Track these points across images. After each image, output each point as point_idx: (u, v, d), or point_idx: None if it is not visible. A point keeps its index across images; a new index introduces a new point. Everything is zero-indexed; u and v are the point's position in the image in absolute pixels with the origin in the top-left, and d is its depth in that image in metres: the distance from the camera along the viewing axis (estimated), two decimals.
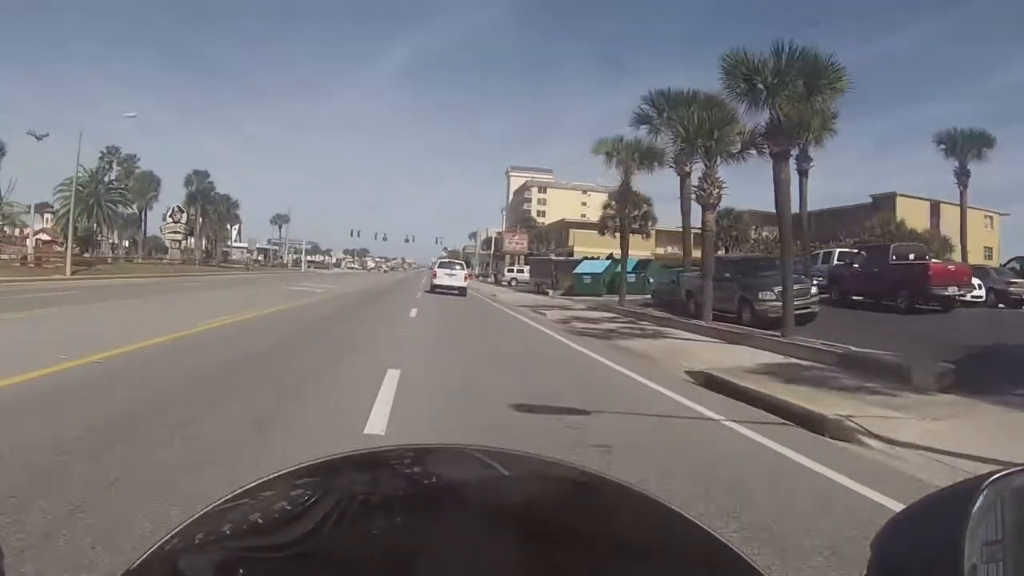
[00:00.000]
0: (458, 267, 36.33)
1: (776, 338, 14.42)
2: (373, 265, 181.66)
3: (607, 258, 44.49)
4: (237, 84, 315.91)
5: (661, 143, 22.11)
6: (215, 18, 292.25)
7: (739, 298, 17.94)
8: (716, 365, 11.18)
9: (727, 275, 18.57)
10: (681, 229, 25.30)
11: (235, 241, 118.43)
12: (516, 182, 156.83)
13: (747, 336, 15.27)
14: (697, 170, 20.69)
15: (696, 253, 23.00)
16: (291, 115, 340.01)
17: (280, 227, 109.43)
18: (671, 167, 22.96)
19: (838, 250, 29.43)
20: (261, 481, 0.91)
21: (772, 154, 15.19)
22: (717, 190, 18.25)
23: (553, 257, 51.81)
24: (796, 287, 17.78)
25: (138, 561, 0.74)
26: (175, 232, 58.89)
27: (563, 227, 64.50)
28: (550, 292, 40.81)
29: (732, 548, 0.84)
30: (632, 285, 35.58)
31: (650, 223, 42.63)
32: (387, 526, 0.83)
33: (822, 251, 30.93)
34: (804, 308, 17.17)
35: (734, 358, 12.67)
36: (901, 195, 53.56)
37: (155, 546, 0.76)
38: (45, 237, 56.18)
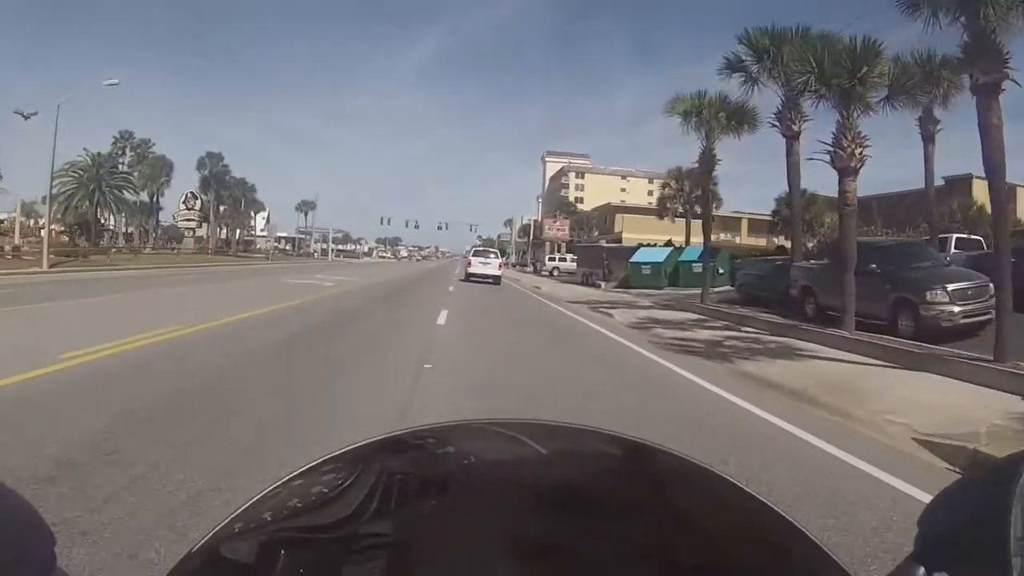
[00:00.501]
0: (492, 256, 35.94)
1: (987, 364, 9.46)
2: (406, 254, 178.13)
3: (666, 245, 39.41)
4: (270, 78, 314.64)
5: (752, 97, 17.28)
6: (247, 16, 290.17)
7: (894, 299, 12.91)
8: (946, 421, 6.62)
9: (872, 266, 13.52)
10: (734, 214, 20.33)
11: (262, 229, 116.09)
12: (552, 168, 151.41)
13: (933, 358, 10.30)
14: (809, 129, 16.59)
15: (698, 238, 17.77)
16: (323, 108, 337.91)
17: (306, 215, 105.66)
18: (773, 126, 17.92)
19: (955, 236, 24.02)
20: (296, 472, 0.88)
21: (977, 87, 10.13)
22: (860, 149, 13.20)
23: (604, 244, 46.64)
24: (968, 285, 12.88)
25: (189, 552, 0.76)
26: (189, 220, 55.42)
27: (608, 212, 59.38)
28: (601, 284, 35.80)
29: (793, 523, 0.80)
30: (698, 277, 30.84)
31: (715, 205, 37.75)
32: (428, 506, 0.81)
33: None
34: (981, 314, 12.25)
35: (957, 401, 7.86)
36: (978, 177, 47.42)
37: (197, 545, 0.77)
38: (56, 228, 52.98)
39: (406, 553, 0.73)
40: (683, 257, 33.84)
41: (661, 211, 43.64)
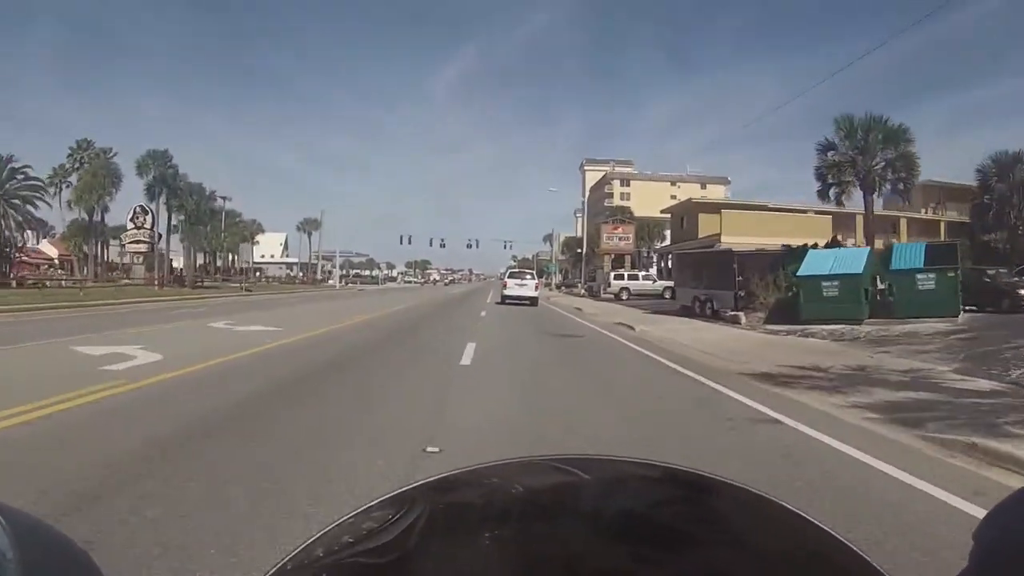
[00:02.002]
0: (528, 276, 33.35)
1: None
2: (437, 277, 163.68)
3: (828, 246, 24.49)
4: (298, 98, 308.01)
5: None
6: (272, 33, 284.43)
7: None
8: None
9: None
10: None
11: (266, 255, 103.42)
12: (593, 177, 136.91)
13: None
14: None
15: None
16: (350, 129, 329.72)
17: (309, 235, 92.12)
18: None
19: None
20: (347, 515, 0.87)
21: None
22: None
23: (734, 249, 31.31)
24: None
25: None
26: (138, 242, 41.91)
27: (688, 211, 44.16)
28: (740, 318, 20.88)
29: (858, 552, 0.77)
30: (924, 297, 15.67)
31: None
32: (483, 539, 0.79)
33: None
34: None
35: None
36: None
37: None
38: None
39: None
40: (897, 263, 18.78)
41: (825, 188, 28.45)
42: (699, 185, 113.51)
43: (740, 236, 35.93)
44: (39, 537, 0.62)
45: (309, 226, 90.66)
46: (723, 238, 36.03)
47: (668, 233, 74.02)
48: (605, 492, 0.95)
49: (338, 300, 36.26)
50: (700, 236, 41.54)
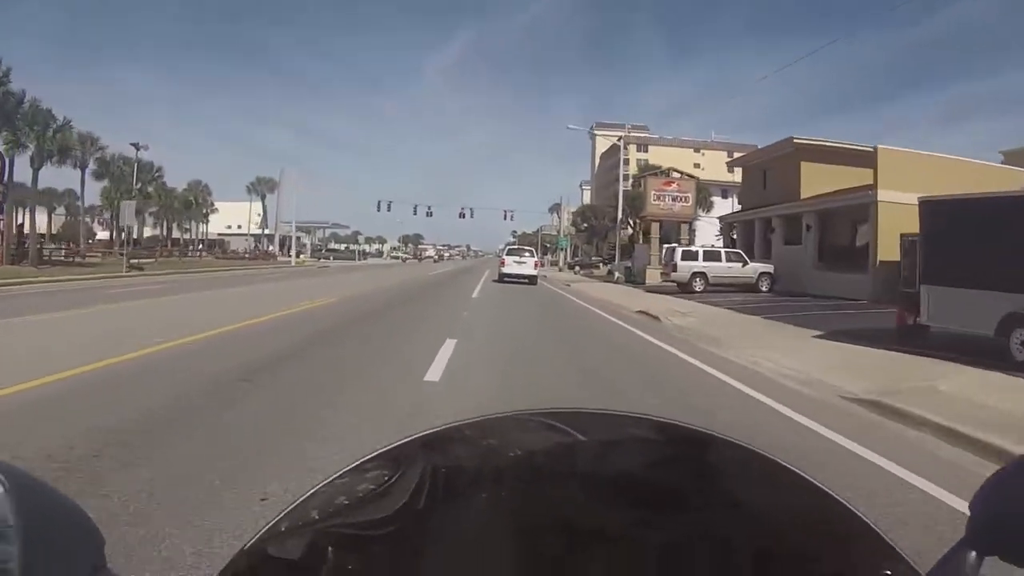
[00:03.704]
0: (527, 254, 30.87)
1: None
2: (433, 253, 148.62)
3: None
4: (299, 80, 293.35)
5: None
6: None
7: None
8: None
9: None
10: None
11: (231, 225, 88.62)
12: (604, 144, 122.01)
13: None
14: None
15: None
16: (349, 109, 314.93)
17: (263, 198, 76.82)
18: None
19: None
20: (341, 471, 0.87)
21: None
22: None
23: None
24: None
25: (230, 562, 0.75)
26: None
27: (783, 158, 29.36)
28: None
29: (854, 510, 0.78)
30: None
31: None
32: (479, 500, 0.80)
33: None
34: None
35: None
36: None
37: (247, 545, 0.76)
38: None
39: (459, 547, 0.73)
40: None
41: None
42: (726, 153, 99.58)
43: (903, 191, 21.73)
44: (38, 499, 0.60)
45: (263, 187, 75.24)
46: (880, 192, 21.65)
47: (714, 201, 59.64)
48: (601, 452, 0.93)
49: (261, 284, 22.41)
50: (806, 195, 27.20)
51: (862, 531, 0.76)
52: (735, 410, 6.21)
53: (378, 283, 25.79)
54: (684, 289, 23.81)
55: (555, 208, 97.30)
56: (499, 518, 0.76)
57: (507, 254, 31.34)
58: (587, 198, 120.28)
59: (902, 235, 21.41)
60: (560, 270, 58.35)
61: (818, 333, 12.53)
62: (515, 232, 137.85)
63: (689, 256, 24.61)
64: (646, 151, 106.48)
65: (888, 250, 21.63)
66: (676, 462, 0.92)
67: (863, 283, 22.10)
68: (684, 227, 32.17)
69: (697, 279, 24.06)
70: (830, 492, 0.80)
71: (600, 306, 18.14)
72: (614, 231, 71.79)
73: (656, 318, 14.98)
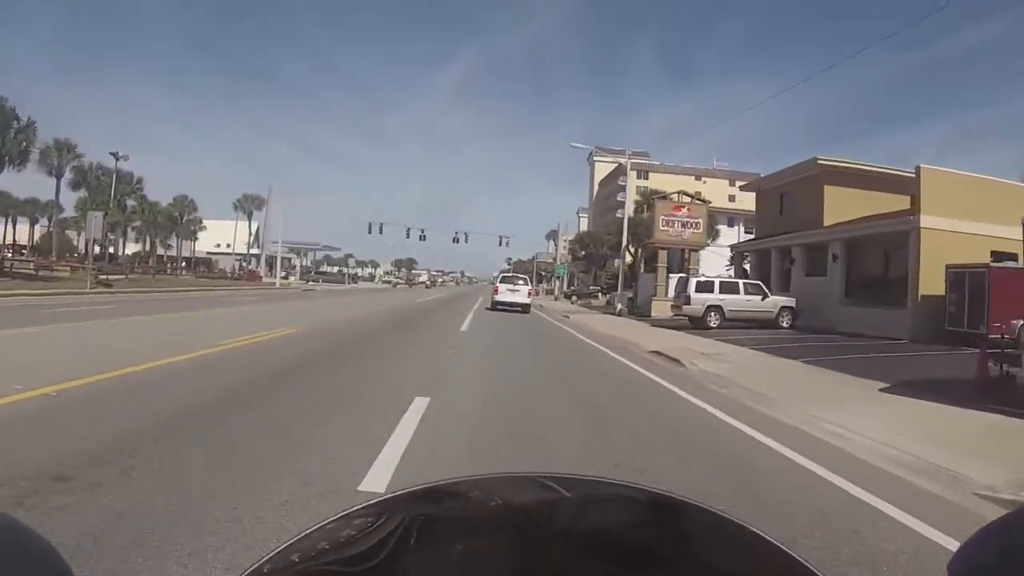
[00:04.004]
0: (520, 282, 29.90)
1: None
2: (426, 279, 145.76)
3: None
4: (295, 97, 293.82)
5: None
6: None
7: None
8: None
9: None
10: None
11: (220, 244, 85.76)
12: (603, 169, 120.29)
13: None
14: None
15: None
16: (350, 128, 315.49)
17: (249, 216, 73.99)
18: None
19: None
20: (327, 520, 0.87)
21: None
22: None
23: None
24: None
25: None
26: None
27: (803, 181, 26.81)
28: None
29: (818, 574, 0.79)
30: None
31: None
32: (456, 551, 0.80)
33: None
34: None
35: None
36: None
37: None
38: None
39: None
40: None
41: None
42: (727, 181, 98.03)
43: (948, 217, 19.22)
44: (5, 533, 0.61)
45: (249, 204, 72.40)
46: (923, 218, 19.14)
47: (719, 229, 57.21)
48: (579, 510, 0.95)
49: (222, 308, 19.61)
50: (829, 222, 24.72)
51: None
52: (864, 536, 3.55)
53: (356, 310, 23.08)
54: (697, 325, 21.14)
55: (552, 235, 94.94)
56: (474, 568, 0.75)
57: (501, 281, 30.59)
58: (584, 225, 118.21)
59: (948, 267, 19.03)
60: (556, 299, 55.71)
61: (883, 385, 9.87)
62: (510, 259, 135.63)
63: (704, 287, 21.93)
64: (646, 178, 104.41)
65: (931, 283, 19.09)
66: (654, 526, 0.93)
67: (901, 320, 19.51)
68: (693, 255, 29.59)
69: (712, 313, 21.39)
70: (802, 560, 0.80)
71: (607, 344, 15.45)
72: (613, 259, 69.43)
73: (677, 361, 12.31)
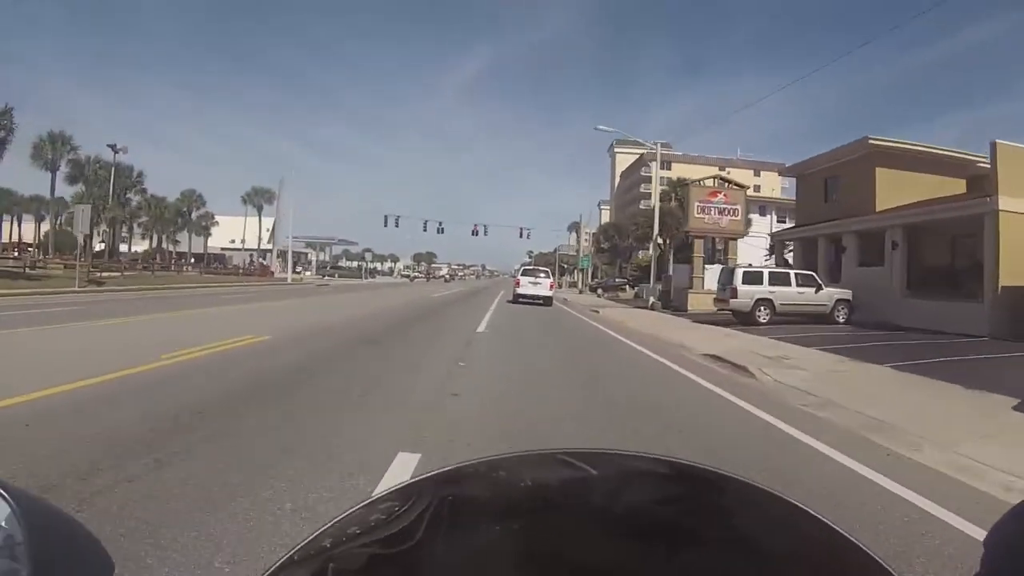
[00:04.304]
0: (542, 275, 29.92)
1: None
2: (446, 272, 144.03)
3: None
4: (309, 90, 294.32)
5: None
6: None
7: None
8: None
9: None
10: None
11: (234, 240, 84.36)
12: (624, 160, 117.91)
13: None
14: None
15: None
16: (364, 123, 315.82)
17: (259, 210, 72.28)
18: None
19: None
20: (358, 505, 0.87)
21: None
22: None
23: None
24: None
25: None
26: None
27: (852, 164, 24.56)
28: None
29: (864, 548, 0.77)
30: None
31: None
32: (490, 531, 0.80)
33: None
34: None
35: None
36: None
37: None
38: None
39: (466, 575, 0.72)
40: None
41: None
42: (751, 171, 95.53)
43: None
44: (48, 520, 0.62)
45: (259, 198, 70.80)
46: (1001, 200, 16.92)
47: (751, 218, 54.81)
48: (612, 488, 0.93)
49: (213, 308, 17.78)
50: (882, 207, 22.51)
51: (871, 568, 0.74)
52: None
53: (362, 308, 21.30)
54: (744, 320, 19.08)
55: (574, 226, 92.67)
56: (508, 548, 0.74)
57: (522, 274, 30.44)
58: (606, 218, 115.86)
59: None
60: (581, 292, 53.71)
61: (1015, 402, 7.86)
62: (531, 252, 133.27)
63: (752, 279, 19.82)
64: (669, 168, 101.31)
65: (1013, 272, 16.89)
66: (688, 500, 0.91)
67: (976, 314, 17.34)
68: (731, 245, 27.39)
69: (761, 308, 19.31)
70: (840, 530, 0.79)
71: (651, 346, 13.54)
72: (638, 251, 67.15)
73: (742, 369, 10.35)
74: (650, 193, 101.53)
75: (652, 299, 27.69)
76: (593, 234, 70.40)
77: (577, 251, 72.07)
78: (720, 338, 15.29)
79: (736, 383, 9.22)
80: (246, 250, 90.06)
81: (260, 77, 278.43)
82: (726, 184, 28.04)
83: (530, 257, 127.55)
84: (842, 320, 20.01)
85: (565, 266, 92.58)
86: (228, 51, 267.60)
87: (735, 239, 27.30)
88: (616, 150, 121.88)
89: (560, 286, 70.80)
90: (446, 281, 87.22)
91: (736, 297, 19.32)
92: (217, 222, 73.24)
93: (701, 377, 9.59)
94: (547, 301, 27.87)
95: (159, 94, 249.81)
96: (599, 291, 50.81)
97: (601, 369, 10.20)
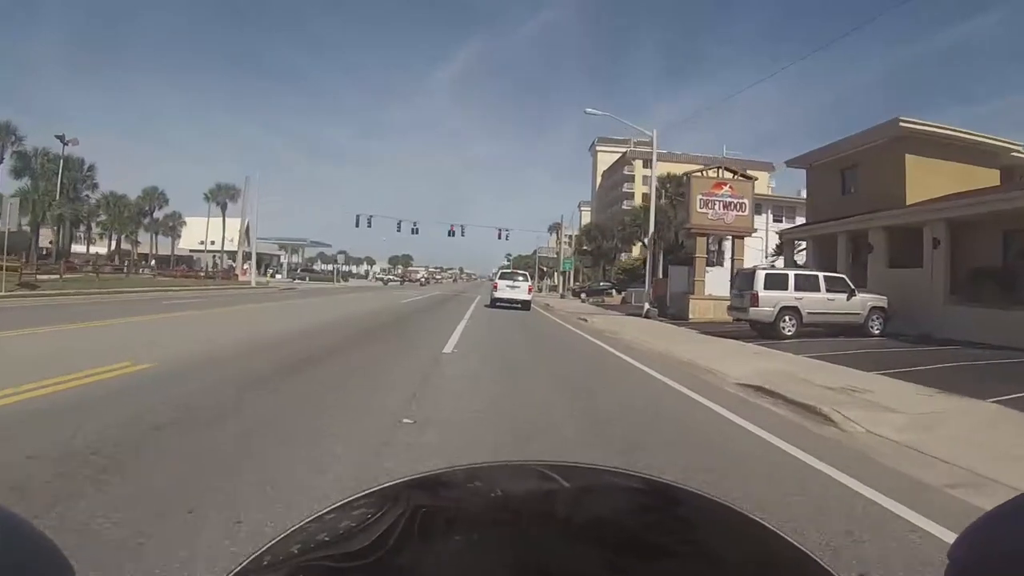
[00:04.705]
0: (520, 278, 29.63)
1: None
2: (424, 275, 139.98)
3: None
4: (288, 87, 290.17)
5: None
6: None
7: None
8: None
9: None
10: None
11: (204, 241, 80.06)
12: (606, 159, 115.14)
13: None
14: None
15: None
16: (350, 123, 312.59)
17: (223, 208, 68.10)
18: None
19: None
20: (328, 507, 0.88)
21: None
22: None
23: None
24: None
25: None
26: None
27: (879, 149, 21.74)
28: None
29: (822, 564, 0.77)
30: None
31: None
32: (456, 541, 0.80)
33: None
34: None
35: None
36: None
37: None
38: None
39: None
40: None
41: None
42: (744, 176, 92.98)
43: None
44: (6, 528, 0.61)
45: (223, 195, 66.61)
46: None
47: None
48: (580, 499, 0.94)
49: (121, 319, 14.10)
50: (912, 201, 19.66)
51: None
52: None
53: (318, 317, 18.01)
54: (765, 333, 15.96)
55: (554, 227, 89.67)
56: (476, 559, 0.74)
57: (500, 278, 29.95)
58: (586, 219, 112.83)
59: None
60: (563, 297, 50.35)
61: None
62: (509, 255, 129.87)
63: (775, 283, 16.63)
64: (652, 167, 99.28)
65: None
66: (654, 514, 0.92)
67: None
68: (740, 244, 24.30)
69: (786, 317, 16.21)
70: (801, 547, 0.80)
71: (665, 369, 10.41)
72: (622, 253, 64.19)
73: (811, 409, 7.25)
74: (633, 193, 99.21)
75: (647, 305, 24.50)
76: (576, 236, 67.33)
77: (558, 253, 68.77)
78: (748, 357, 12.20)
79: (814, 437, 6.13)
80: (217, 252, 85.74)
81: (231, 69, 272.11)
82: (732, 175, 24.91)
83: (508, 260, 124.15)
84: (876, 331, 17.00)
85: (544, 269, 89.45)
86: (221, 50, 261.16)
87: (742, 237, 24.23)
88: (598, 148, 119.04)
89: (540, 290, 67.56)
90: (421, 285, 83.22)
91: (757, 305, 16.15)
92: (185, 222, 69.07)
93: (758, 425, 6.46)
94: (525, 305, 27.58)
95: (133, 86, 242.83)
96: (582, 296, 47.65)
97: (612, 413, 7.00)
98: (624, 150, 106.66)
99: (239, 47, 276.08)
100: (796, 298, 16.37)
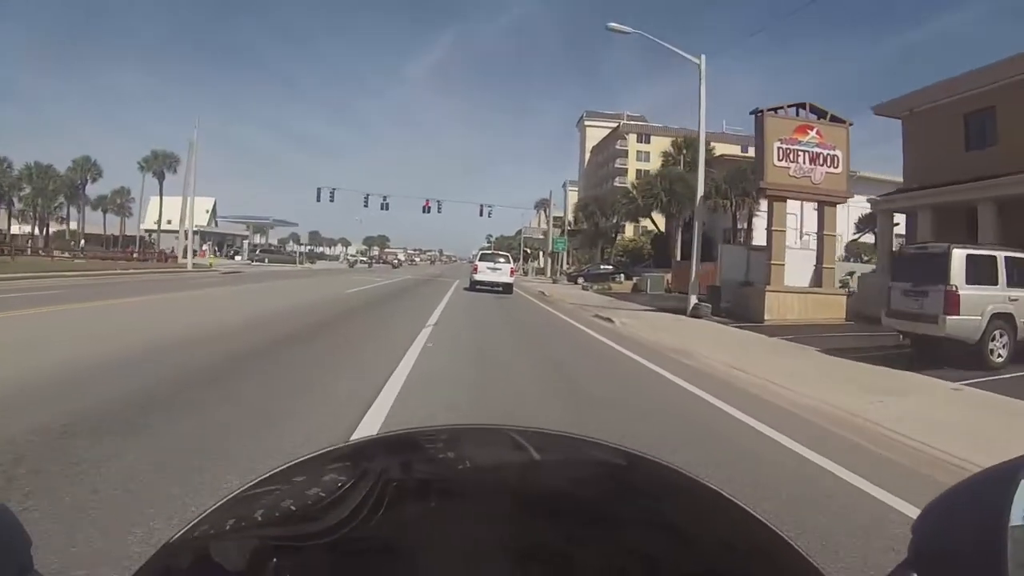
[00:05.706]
0: (502, 260, 28.56)
1: None
2: (403, 257, 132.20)
3: None
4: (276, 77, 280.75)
5: None
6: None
7: None
8: None
9: None
10: None
11: (171, 220, 71.78)
12: (596, 134, 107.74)
13: None
14: None
15: None
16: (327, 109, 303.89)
17: (160, 179, 59.12)
18: None
19: None
20: (292, 464, 0.88)
21: None
22: None
23: None
24: None
25: (168, 542, 0.73)
26: None
27: (1005, 90, 14.94)
28: None
29: (783, 536, 0.78)
30: None
31: None
32: (422, 512, 0.81)
33: None
34: None
35: None
36: None
37: (183, 530, 0.74)
38: None
39: (397, 556, 0.73)
40: None
41: None
42: (739, 147, 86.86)
43: None
44: None
45: (159, 162, 57.91)
46: None
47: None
48: (545, 469, 0.95)
49: None
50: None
51: (793, 559, 0.75)
52: None
53: (232, 315, 11.14)
54: (954, 358, 9.19)
55: (541, 204, 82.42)
56: (438, 529, 0.75)
57: (480, 259, 28.96)
58: (573, 199, 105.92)
59: None
60: (555, 281, 42.97)
61: None
62: (491, 236, 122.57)
63: (981, 274, 9.72)
64: (648, 141, 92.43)
65: None
66: (619, 484, 0.92)
67: None
68: (830, 212, 17.25)
69: (998, 334, 9.40)
70: (763, 520, 0.81)
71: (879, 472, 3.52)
72: (623, 230, 57.38)
73: None
74: (627, 168, 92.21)
75: (693, 299, 17.55)
76: (573, 211, 60.02)
77: (546, 233, 61.60)
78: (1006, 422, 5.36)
79: None
80: (176, 233, 77.02)
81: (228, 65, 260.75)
82: (817, 117, 17.65)
83: (489, 241, 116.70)
84: None
85: (529, 251, 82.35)
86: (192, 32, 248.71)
87: (834, 204, 17.29)
88: (587, 123, 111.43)
89: (525, 273, 60.40)
90: (394, 267, 75.20)
91: (956, 312, 9.23)
92: (134, 198, 60.98)
93: None
94: (507, 288, 26.79)
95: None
96: (581, 281, 40.19)
97: None
98: (615, 124, 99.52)
99: (228, 39, 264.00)
100: (1011, 299, 9.52)
